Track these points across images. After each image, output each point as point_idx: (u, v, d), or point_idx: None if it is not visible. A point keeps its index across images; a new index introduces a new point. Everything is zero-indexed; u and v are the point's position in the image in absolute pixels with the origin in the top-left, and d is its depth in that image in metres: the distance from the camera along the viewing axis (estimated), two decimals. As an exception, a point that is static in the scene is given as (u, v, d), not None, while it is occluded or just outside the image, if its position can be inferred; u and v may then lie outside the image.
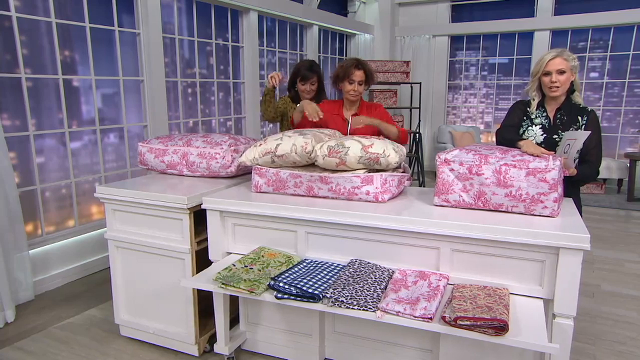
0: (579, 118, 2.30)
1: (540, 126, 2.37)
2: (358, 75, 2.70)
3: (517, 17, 7.16)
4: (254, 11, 5.22)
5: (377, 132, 2.70)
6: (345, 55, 7.68)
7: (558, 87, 2.27)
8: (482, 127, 7.83)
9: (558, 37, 6.99)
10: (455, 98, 7.98)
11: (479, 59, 7.70)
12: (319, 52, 6.74)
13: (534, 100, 2.40)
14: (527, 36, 7.20)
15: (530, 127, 2.40)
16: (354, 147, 2.13)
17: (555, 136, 2.32)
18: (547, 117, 2.37)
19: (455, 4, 7.67)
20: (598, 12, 6.57)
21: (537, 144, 2.36)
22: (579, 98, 2.35)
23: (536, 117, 2.39)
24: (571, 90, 2.34)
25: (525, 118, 2.43)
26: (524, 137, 2.43)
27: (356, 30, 7.40)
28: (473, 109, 7.90)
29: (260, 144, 2.31)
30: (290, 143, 2.21)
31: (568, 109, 2.33)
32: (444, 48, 7.76)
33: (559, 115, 2.34)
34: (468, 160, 1.98)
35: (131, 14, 3.98)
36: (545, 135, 2.35)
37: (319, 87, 3.16)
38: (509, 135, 2.32)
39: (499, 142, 2.36)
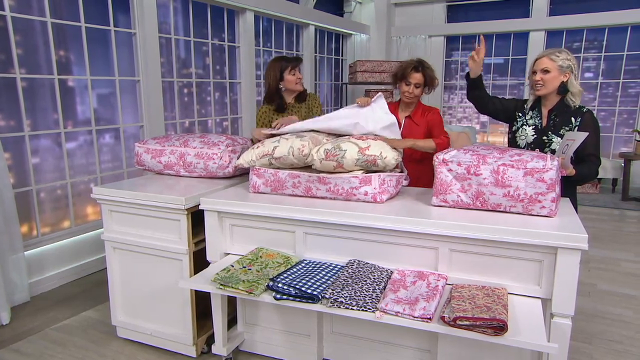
0: (572, 119, 2.30)
1: (533, 127, 2.39)
2: (416, 77, 2.67)
3: (512, 17, 7.19)
4: (250, 11, 5.21)
5: (428, 135, 2.73)
6: (342, 55, 7.68)
7: (541, 85, 2.30)
8: (478, 127, 7.85)
9: (553, 37, 7.02)
10: (451, 98, 8.00)
11: (474, 59, 7.72)
12: (315, 52, 6.74)
13: (529, 99, 2.45)
14: (522, 36, 7.22)
15: (523, 127, 2.42)
16: (351, 150, 2.14)
17: (544, 137, 2.34)
18: (540, 118, 2.39)
19: (451, 5, 7.69)
20: (593, 12, 6.60)
21: (527, 143, 2.39)
22: (572, 100, 2.31)
23: (531, 117, 2.42)
24: (562, 90, 2.31)
25: (520, 115, 2.46)
26: (516, 135, 2.46)
27: (352, 30, 7.41)
28: (469, 109, 7.92)
29: (258, 147, 2.30)
30: (288, 146, 2.21)
31: (561, 110, 2.33)
32: (440, 48, 7.78)
33: (552, 117, 2.35)
34: (466, 161, 1.98)
35: (127, 14, 3.96)
36: (535, 136, 2.37)
37: None
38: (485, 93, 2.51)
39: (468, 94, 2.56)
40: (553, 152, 2.30)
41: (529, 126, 2.40)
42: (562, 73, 2.27)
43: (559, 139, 2.30)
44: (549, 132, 2.33)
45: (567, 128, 2.30)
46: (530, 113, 2.42)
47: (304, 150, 2.17)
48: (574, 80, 2.30)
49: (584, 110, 2.30)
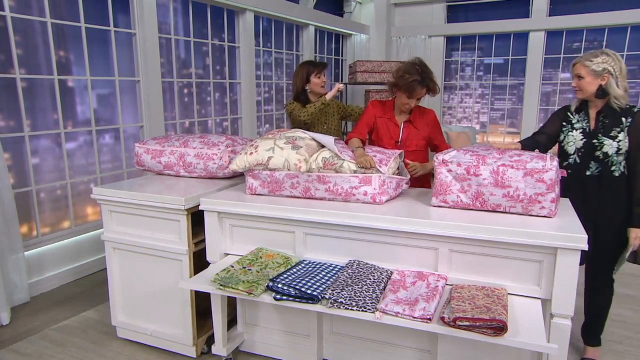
0: (623, 119, 2.21)
1: (581, 130, 2.32)
2: (421, 93, 2.53)
3: (512, 17, 7.19)
4: (250, 11, 5.21)
5: (426, 146, 2.68)
6: (342, 56, 7.68)
7: (578, 90, 2.29)
8: (477, 127, 7.84)
9: (553, 37, 7.02)
10: (451, 98, 7.99)
11: (474, 59, 7.72)
12: (315, 52, 6.74)
13: (574, 102, 2.41)
14: (522, 37, 7.22)
15: (570, 132, 2.36)
16: (349, 160, 2.16)
17: (594, 140, 2.26)
18: (588, 121, 2.31)
19: (451, 5, 7.69)
20: (592, 12, 6.61)
21: (577, 148, 2.32)
22: (616, 102, 2.22)
23: (577, 121, 2.35)
24: (601, 94, 2.22)
25: (565, 124, 2.40)
26: (563, 142, 2.40)
27: (352, 30, 7.40)
28: (469, 109, 7.92)
29: (251, 153, 2.27)
30: (283, 159, 2.21)
31: (609, 112, 2.25)
32: (440, 48, 7.78)
33: (600, 118, 2.28)
34: (466, 161, 1.98)
35: (127, 14, 3.96)
36: (584, 139, 2.30)
37: None
38: (527, 140, 2.45)
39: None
40: (605, 155, 2.23)
41: (576, 130, 2.33)
42: (599, 77, 2.20)
43: (610, 141, 2.22)
44: (599, 135, 2.25)
45: (618, 129, 2.22)
46: (577, 116, 2.36)
47: (300, 167, 2.18)
48: (613, 83, 2.19)
49: (635, 110, 2.21)
